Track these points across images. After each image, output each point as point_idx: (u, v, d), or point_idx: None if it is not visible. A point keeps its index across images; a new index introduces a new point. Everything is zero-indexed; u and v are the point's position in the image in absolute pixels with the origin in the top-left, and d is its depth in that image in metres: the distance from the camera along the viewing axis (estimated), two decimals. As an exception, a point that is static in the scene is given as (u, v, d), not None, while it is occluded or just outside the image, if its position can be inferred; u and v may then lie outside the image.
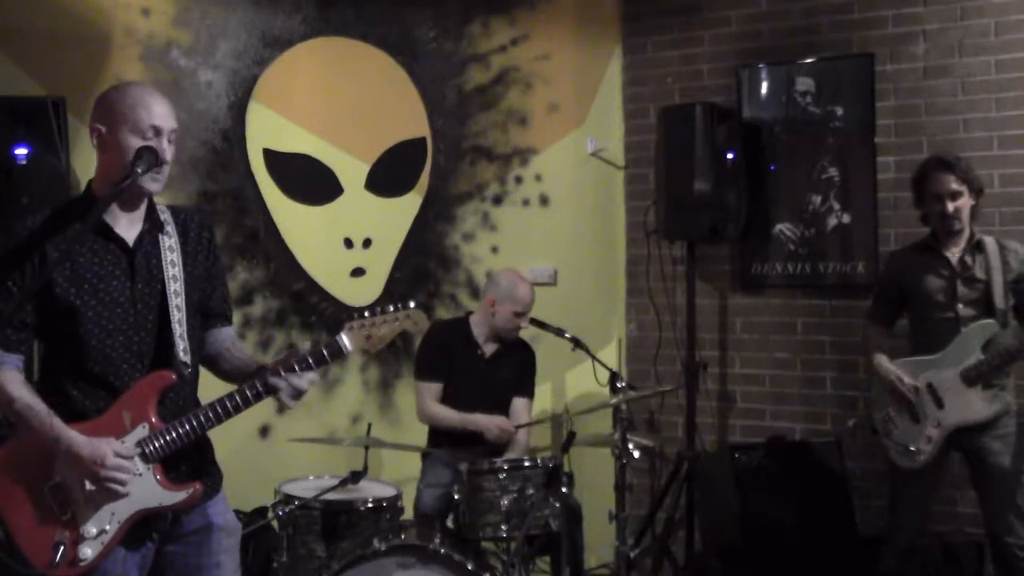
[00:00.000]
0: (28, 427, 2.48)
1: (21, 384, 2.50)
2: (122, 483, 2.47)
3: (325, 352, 2.56)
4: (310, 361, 2.54)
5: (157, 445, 2.51)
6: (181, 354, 2.55)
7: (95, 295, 2.51)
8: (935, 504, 4.31)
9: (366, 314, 2.58)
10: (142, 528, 2.55)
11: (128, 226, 2.57)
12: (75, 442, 2.45)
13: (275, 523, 3.81)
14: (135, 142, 2.50)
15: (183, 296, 2.59)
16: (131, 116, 2.51)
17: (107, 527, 2.49)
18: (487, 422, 4.38)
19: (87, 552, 2.48)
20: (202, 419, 2.53)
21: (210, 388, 2.69)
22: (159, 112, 2.54)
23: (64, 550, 2.46)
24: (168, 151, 2.54)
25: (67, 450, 2.45)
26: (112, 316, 2.52)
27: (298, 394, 2.54)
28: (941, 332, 3.95)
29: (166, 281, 2.57)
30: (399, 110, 5.04)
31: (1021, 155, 4.59)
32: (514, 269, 4.69)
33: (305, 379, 2.53)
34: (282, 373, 2.52)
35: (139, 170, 2.46)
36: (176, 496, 2.54)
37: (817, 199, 5.02)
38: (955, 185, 3.92)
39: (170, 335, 2.55)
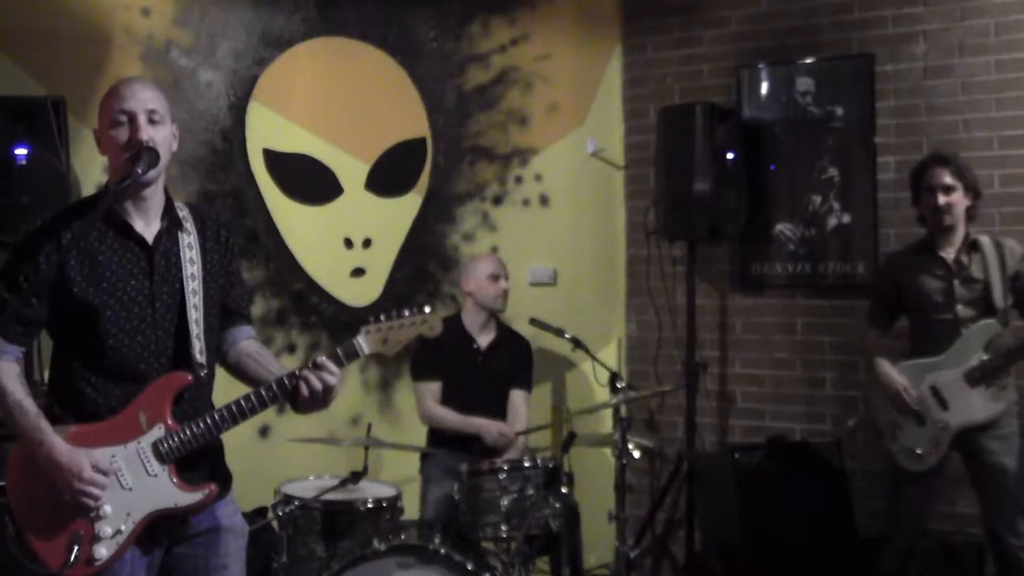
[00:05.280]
0: (15, 424, 2.47)
1: (16, 378, 2.50)
2: (95, 498, 2.45)
3: (341, 354, 2.56)
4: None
5: (172, 445, 2.50)
6: (197, 355, 2.55)
7: (113, 294, 2.51)
8: (935, 504, 4.31)
9: (382, 317, 2.59)
10: (155, 532, 2.54)
11: (147, 224, 2.57)
12: (56, 449, 2.43)
13: (275, 523, 3.81)
14: (114, 134, 2.51)
15: (201, 295, 2.58)
16: (106, 110, 2.54)
17: (122, 527, 2.48)
18: (487, 426, 4.39)
19: (102, 552, 2.46)
20: (217, 420, 2.52)
21: (227, 388, 2.69)
22: (125, 95, 2.52)
23: (78, 550, 2.44)
24: (148, 130, 2.50)
25: (46, 456, 2.43)
26: (130, 315, 2.52)
27: (324, 393, 2.51)
28: (941, 333, 3.95)
29: (184, 280, 2.57)
30: (399, 110, 5.04)
31: (1021, 155, 4.59)
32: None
33: (327, 375, 2.50)
34: (304, 373, 2.50)
35: (139, 170, 2.46)
36: (192, 497, 2.53)
37: (817, 199, 5.02)
38: (949, 179, 3.93)
39: (187, 335, 2.55)
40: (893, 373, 4.02)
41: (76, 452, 2.44)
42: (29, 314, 2.50)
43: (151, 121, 2.52)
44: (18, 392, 2.48)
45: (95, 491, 2.44)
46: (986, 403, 3.88)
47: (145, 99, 2.53)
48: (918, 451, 3.94)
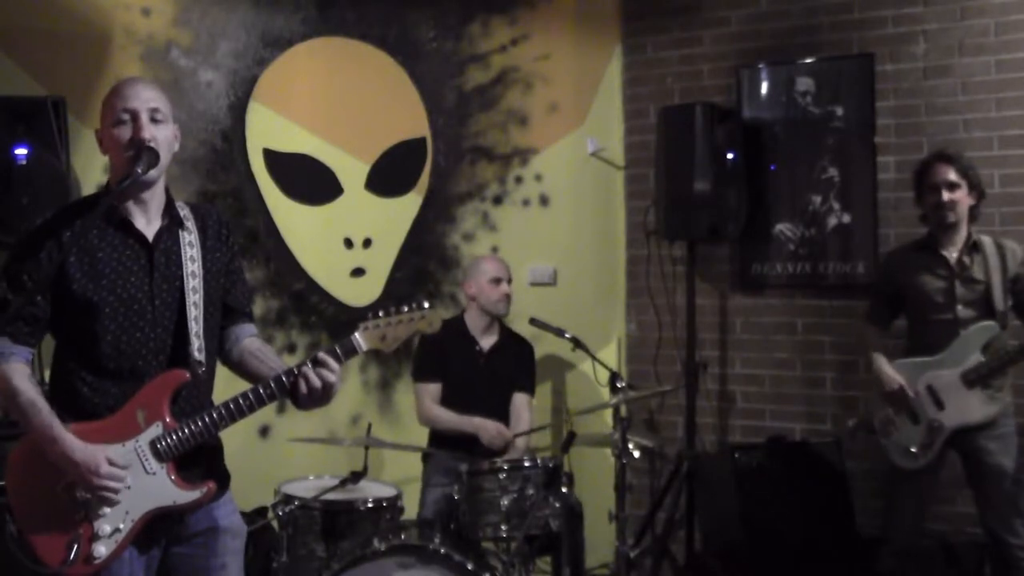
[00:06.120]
0: (28, 424, 2.47)
1: (27, 378, 2.50)
2: (114, 492, 2.46)
3: (339, 350, 2.55)
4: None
5: (171, 443, 2.50)
6: (196, 352, 2.55)
7: (113, 291, 2.51)
8: (935, 504, 4.31)
9: (381, 314, 2.57)
10: (153, 532, 2.54)
11: (147, 222, 2.58)
12: (70, 447, 2.43)
13: (275, 523, 3.81)
14: (116, 132, 2.52)
15: (201, 293, 2.58)
16: (108, 109, 2.55)
17: (121, 526, 2.48)
18: (484, 425, 4.38)
19: (101, 550, 2.46)
20: (216, 418, 2.51)
21: (227, 387, 2.68)
22: (128, 94, 2.53)
23: (78, 548, 2.44)
24: (150, 128, 2.51)
25: (61, 454, 2.43)
26: (129, 312, 2.52)
27: (324, 390, 2.50)
28: (940, 333, 3.95)
29: (184, 278, 2.57)
30: (399, 110, 5.04)
31: (1021, 155, 4.59)
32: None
33: (326, 372, 2.50)
34: (304, 370, 2.50)
35: (139, 170, 2.47)
36: (190, 495, 2.53)
37: (817, 199, 5.02)
38: (953, 176, 3.93)
39: (187, 333, 2.54)
40: (890, 370, 4.01)
41: (92, 448, 2.44)
42: (34, 312, 2.50)
43: (153, 120, 2.53)
44: (30, 391, 2.48)
45: (114, 485, 2.45)
46: (981, 405, 3.87)
47: (148, 98, 2.54)
48: (912, 449, 3.94)
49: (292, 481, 3.95)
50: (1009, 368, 3.88)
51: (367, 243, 4.96)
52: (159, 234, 2.58)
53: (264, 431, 4.68)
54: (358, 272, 4.96)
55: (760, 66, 5.13)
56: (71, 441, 2.44)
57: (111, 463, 2.45)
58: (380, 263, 5.01)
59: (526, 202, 5.27)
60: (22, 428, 2.54)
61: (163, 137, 2.54)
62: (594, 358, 4.41)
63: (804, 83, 5.03)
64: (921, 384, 3.94)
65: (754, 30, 5.15)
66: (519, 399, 4.57)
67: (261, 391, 2.52)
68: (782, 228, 5.10)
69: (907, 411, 3.98)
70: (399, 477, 4.51)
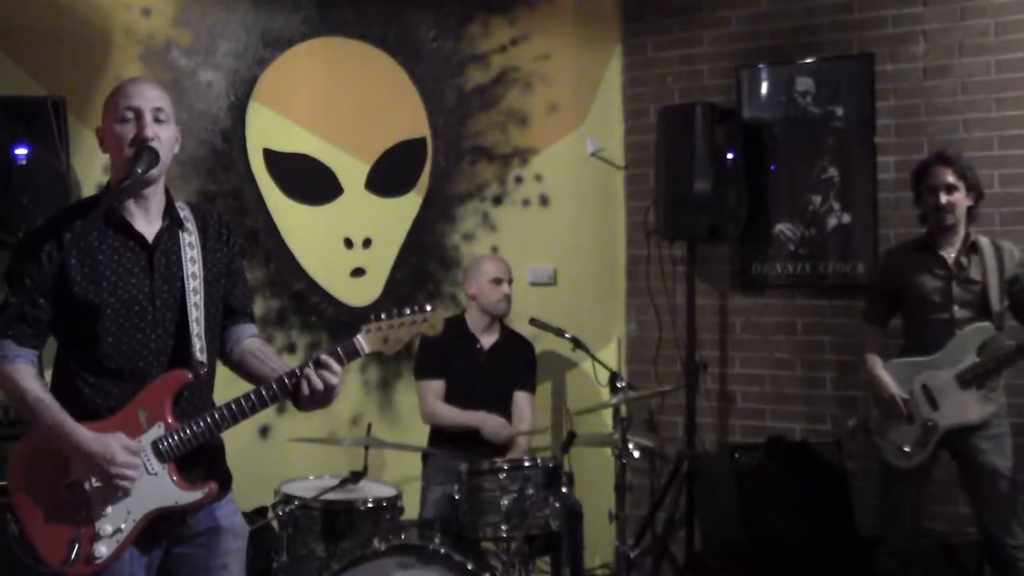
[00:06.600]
0: (38, 421, 2.48)
1: (33, 378, 2.50)
2: (131, 479, 2.46)
3: (341, 352, 2.55)
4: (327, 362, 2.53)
5: (172, 444, 2.50)
6: (198, 353, 2.55)
7: (114, 292, 2.51)
8: (935, 504, 4.32)
9: (383, 316, 2.58)
10: (155, 532, 2.54)
11: (147, 223, 2.58)
12: (83, 438, 2.44)
13: (275, 523, 3.81)
14: (119, 130, 2.53)
15: (202, 294, 2.58)
16: (112, 107, 2.56)
17: (122, 526, 2.49)
18: (487, 419, 4.39)
19: (102, 550, 2.47)
20: (217, 418, 2.52)
21: (228, 387, 2.69)
22: (133, 92, 2.54)
23: (79, 548, 2.45)
24: (152, 128, 2.51)
25: (75, 446, 2.44)
26: (130, 313, 2.52)
27: (326, 392, 2.50)
28: (936, 333, 3.95)
29: (185, 279, 2.57)
30: (399, 110, 5.04)
31: (1021, 155, 4.59)
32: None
33: (328, 374, 2.50)
34: (306, 371, 2.50)
35: (139, 170, 2.47)
36: (191, 495, 2.53)
37: (817, 199, 5.02)
38: (951, 179, 3.93)
39: (188, 333, 2.55)
40: (885, 377, 4.01)
41: (106, 437, 2.45)
42: (36, 314, 2.51)
43: (157, 120, 2.54)
44: (37, 390, 2.49)
45: (130, 472, 2.46)
46: (976, 405, 3.88)
47: (152, 97, 2.55)
48: (906, 449, 3.95)
49: (292, 481, 3.95)
50: (1004, 369, 3.89)
51: (367, 243, 4.96)
52: (159, 235, 2.58)
53: (264, 431, 4.68)
54: (358, 272, 4.96)
55: (760, 66, 5.13)
56: (84, 432, 2.45)
57: (126, 449, 2.45)
58: (380, 263, 5.01)
59: (526, 202, 5.27)
60: (29, 427, 2.55)
61: (165, 137, 2.55)
62: (594, 358, 4.41)
63: (804, 83, 5.03)
64: (916, 384, 3.95)
65: (754, 30, 5.15)
66: (520, 397, 4.58)
67: (263, 392, 2.53)
68: (782, 228, 5.10)
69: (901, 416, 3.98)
70: (399, 477, 4.52)
